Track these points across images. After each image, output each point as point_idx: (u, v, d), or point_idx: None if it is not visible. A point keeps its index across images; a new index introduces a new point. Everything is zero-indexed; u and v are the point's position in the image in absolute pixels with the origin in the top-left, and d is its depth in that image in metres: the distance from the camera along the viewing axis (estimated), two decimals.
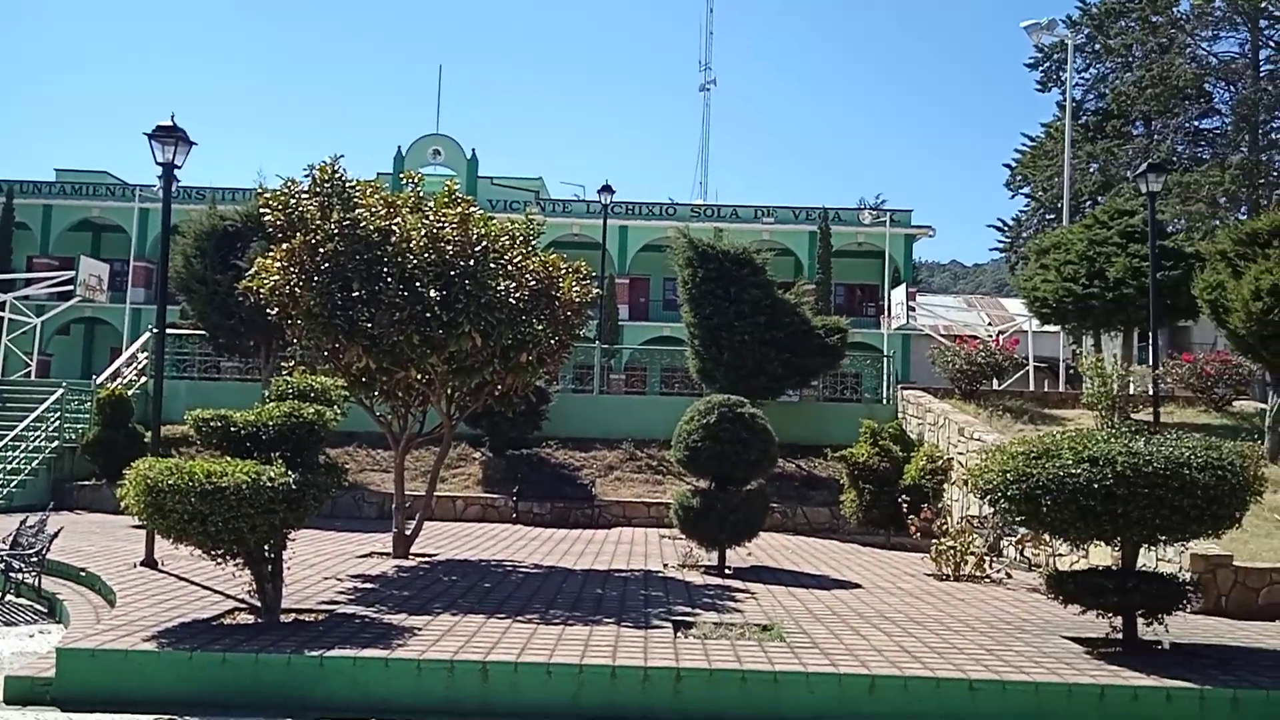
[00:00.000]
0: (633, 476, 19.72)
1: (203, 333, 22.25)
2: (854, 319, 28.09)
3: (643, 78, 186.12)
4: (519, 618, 8.62)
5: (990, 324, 42.91)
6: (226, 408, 8.91)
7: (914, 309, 40.15)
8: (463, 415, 13.54)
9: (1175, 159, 43.95)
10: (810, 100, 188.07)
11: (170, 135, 11.92)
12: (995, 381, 21.91)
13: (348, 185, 11.68)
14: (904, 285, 39.19)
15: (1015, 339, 28.78)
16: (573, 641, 7.64)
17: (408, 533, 12.77)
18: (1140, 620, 8.06)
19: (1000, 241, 55.36)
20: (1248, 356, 16.79)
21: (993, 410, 18.84)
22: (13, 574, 10.67)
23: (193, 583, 10.05)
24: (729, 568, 12.21)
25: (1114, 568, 8.23)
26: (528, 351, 11.83)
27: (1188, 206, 41.75)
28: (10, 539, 11.09)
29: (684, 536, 12.57)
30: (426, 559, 12.60)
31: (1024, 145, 51.90)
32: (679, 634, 8.15)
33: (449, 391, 12.66)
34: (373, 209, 11.46)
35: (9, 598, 10.70)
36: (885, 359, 24.47)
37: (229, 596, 9.19)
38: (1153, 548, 8.88)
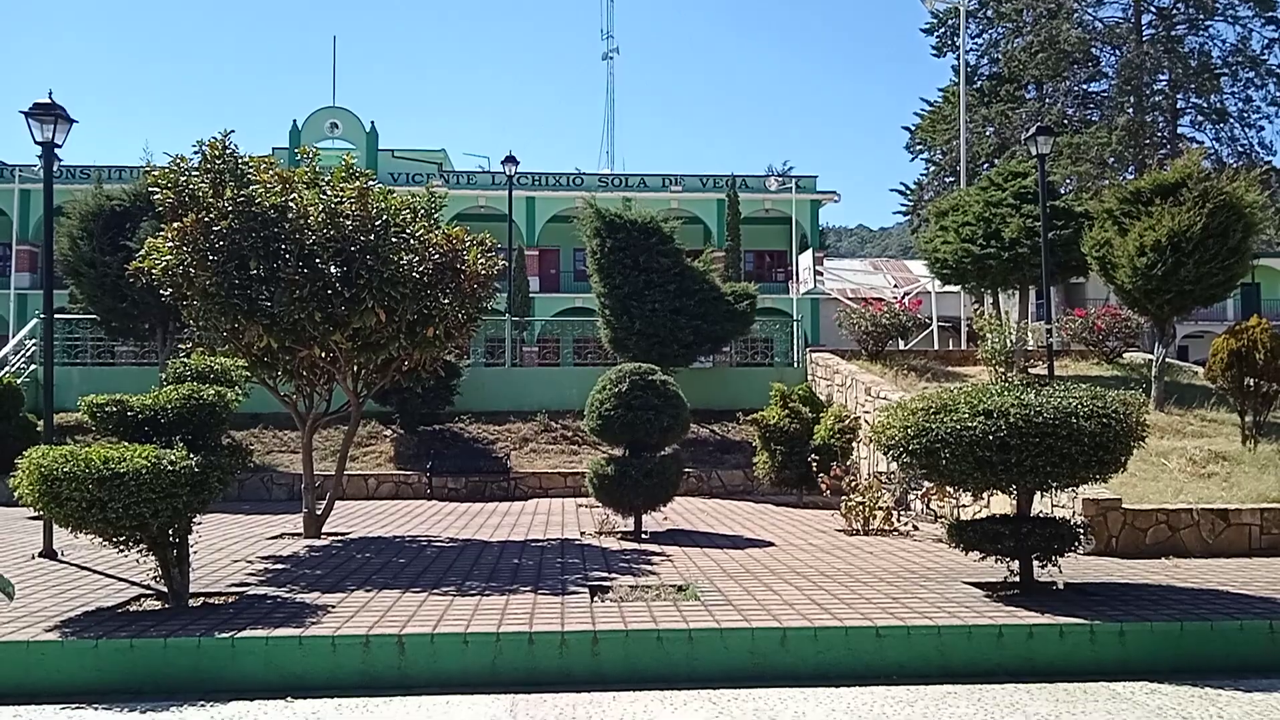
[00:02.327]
0: (548, 448, 19.74)
1: (94, 317, 21.45)
2: (763, 285, 28.50)
3: (545, 47, 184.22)
4: (435, 591, 8.61)
5: (896, 286, 43.89)
6: (122, 392, 8.63)
7: (822, 273, 40.81)
8: (370, 392, 13.35)
9: (1065, 121, 45.42)
10: (714, 68, 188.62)
11: (49, 113, 11.41)
12: (900, 342, 22.51)
13: (240, 161, 11.35)
14: (811, 250, 39.81)
15: (919, 300, 29.46)
16: (490, 611, 7.68)
17: (318, 512, 12.60)
18: (1036, 563, 8.42)
19: (903, 205, 56.70)
20: (1134, 310, 17.54)
21: (898, 370, 19.36)
22: None
23: (95, 571, 9.77)
24: (645, 533, 12.35)
25: (1011, 515, 8.58)
26: (434, 326, 11.72)
27: (1077, 167, 43.23)
28: None
29: (600, 504, 12.67)
30: (339, 538, 12.45)
31: (923, 109, 53.05)
32: (595, 598, 8.25)
33: (355, 369, 12.48)
34: (267, 185, 11.17)
35: None
36: (794, 323, 24.90)
37: (134, 584, 8.97)
38: (1046, 494, 9.30)
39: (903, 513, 13.33)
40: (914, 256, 51.09)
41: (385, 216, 11.42)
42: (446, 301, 11.76)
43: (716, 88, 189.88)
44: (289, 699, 6.50)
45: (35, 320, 21.38)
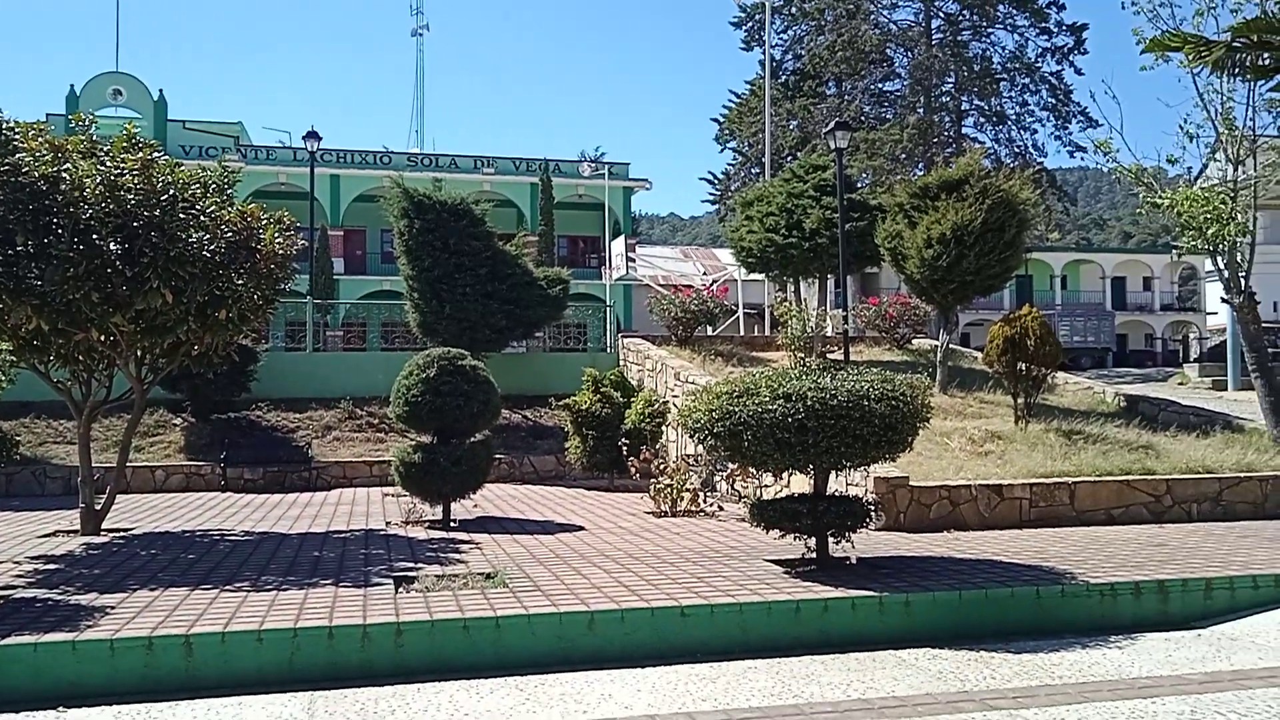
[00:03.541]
0: (353, 435, 19.13)
1: None
2: (577, 270, 28.63)
3: (353, 21, 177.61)
4: (227, 587, 8.17)
5: (705, 273, 44.99)
6: None
7: (634, 260, 41.39)
8: (157, 379, 12.52)
9: (862, 118, 47.75)
10: (527, 51, 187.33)
11: None
12: (709, 328, 23.07)
13: (5, 126, 10.36)
14: (624, 237, 40.29)
15: (726, 287, 30.42)
16: (287, 606, 7.35)
17: (97, 507, 11.71)
18: (831, 539, 8.81)
19: (711, 194, 58.13)
20: (923, 299, 18.62)
21: (706, 355, 19.86)
22: None
23: None
24: (454, 521, 12.16)
25: (809, 494, 8.94)
26: (227, 308, 11.08)
27: (873, 162, 45.55)
28: None
29: (407, 493, 12.38)
30: (121, 534, 11.64)
31: (731, 101, 54.50)
32: (400, 589, 8.04)
33: (138, 353, 11.66)
34: (36, 154, 10.23)
35: None
36: (607, 309, 25.13)
37: None
38: (841, 473, 9.74)
39: (709, 494, 13.69)
40: (722, 245, 52.59)
41: (172, 191, 10.69)
42: (240, 282, 11.14)
43: (530, 71, 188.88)
44: (61, 709, 6.01)
45: None
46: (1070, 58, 49.60)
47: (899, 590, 7.75)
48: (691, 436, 8.99)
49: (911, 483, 11.37)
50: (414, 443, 12.36)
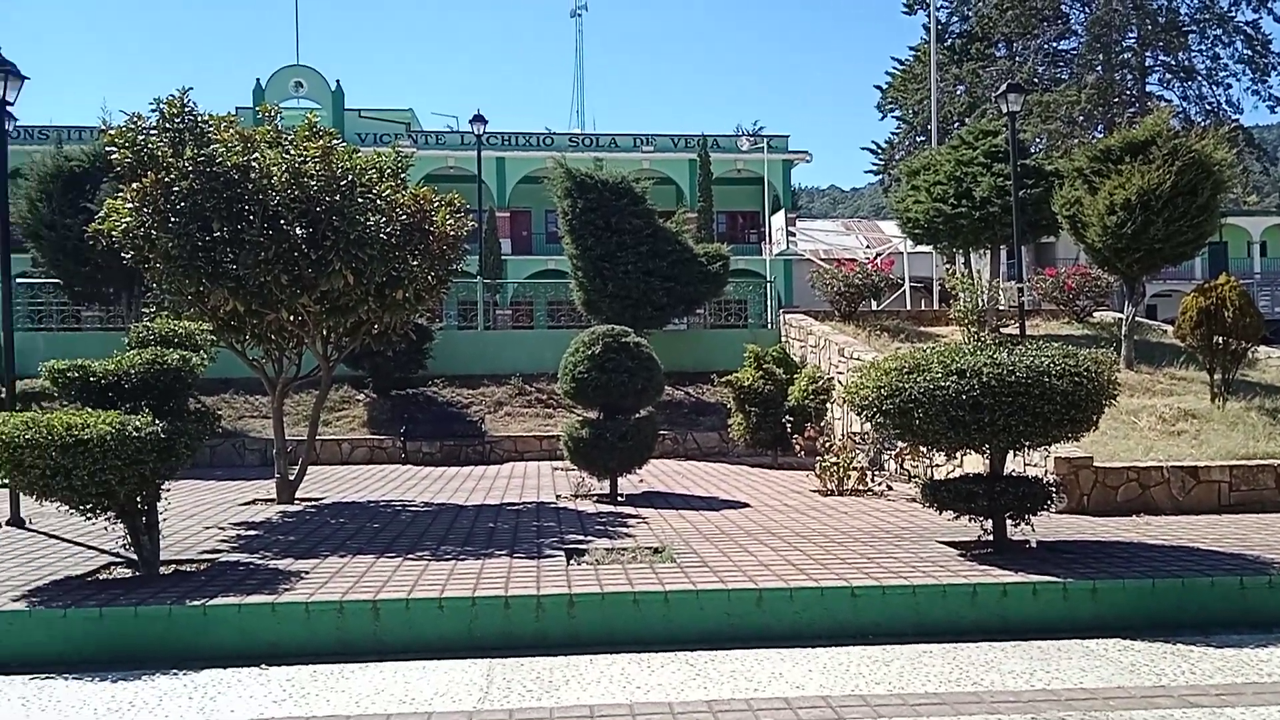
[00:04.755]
0: (523, 411, 19.67)
1: (58, 281, 21.03)
2: (736, 246, 28.39)
3: (514, 4, 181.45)
4: (410, 556, 8.55)
5: (868, 246, 43.90)
6: (88, 358, 8.43)
7: (794, 234, 40.77)
8: (341, 356, 13.19)
9: (1035, 80, 45.42)
10: (684, 26, 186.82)
11: None
12: (873, 302, 22.55)
13: (200, 120, 11.07)
14: (784, 211, 39.72)
15: (891, 260, 29.49)
16: (465, 575, 7.63)
17: (291, 478, 12.47)
18: (1009, 522, 8.47)
19: (874, 164, 56.59)
20: (1104, 269, 17.63)
21: (871, 330, 19.40)
22: None
23: (64, 539, 9.63)
24: (621, 495, 12.34)
25: (984, 474, 8.61)
26: (404, 288, 11.55)
27: (1047, 126, 43.29)
28: None
29: (575, 468, 12.63)
30: (312, 503, 12.35)
31: (894, 69, 52.83)
32: (572, 561, 8.22)
33: (324, 332, 12.30)
34: (228, 144, 10.90)
35: None
36: (767, 284, 24.87)
37: (104, 551, 8.84)
38: (1019, 453, 9.34)
39: (876, 473, 13.38)
40: (886, 217, 51.15)
41: (350, 176, 11.20)
42: (415, 263, 11.58)
43: (687, 47, 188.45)
44: (263, 666, 6.44)
45: None
46: (1268, 4, 45.60)
47: (1084, 576, 7.37)
48: (858, 414, 8.79)
49: (1096, 463, 10.80)
50: (581, 418, 12.60)
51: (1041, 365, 7.81)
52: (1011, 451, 8.56)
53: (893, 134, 53.94)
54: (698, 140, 40.93)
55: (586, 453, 12.08)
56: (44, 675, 6.33)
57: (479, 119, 25.79)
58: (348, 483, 14.73)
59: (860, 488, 12.65)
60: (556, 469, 15.88)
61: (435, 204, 11.90)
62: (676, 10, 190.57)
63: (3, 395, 11.78)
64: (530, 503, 12.20)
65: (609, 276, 19.70)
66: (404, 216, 11.49)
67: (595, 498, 12.33)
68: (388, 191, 11.57)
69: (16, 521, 10.68)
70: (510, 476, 15.35)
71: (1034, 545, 8.65)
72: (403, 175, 12.19)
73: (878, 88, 53.44)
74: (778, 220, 38.36)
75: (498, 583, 7.34)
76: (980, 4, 48.35)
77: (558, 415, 18.77)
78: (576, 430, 12.15)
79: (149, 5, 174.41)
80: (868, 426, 11.62)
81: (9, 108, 11.33)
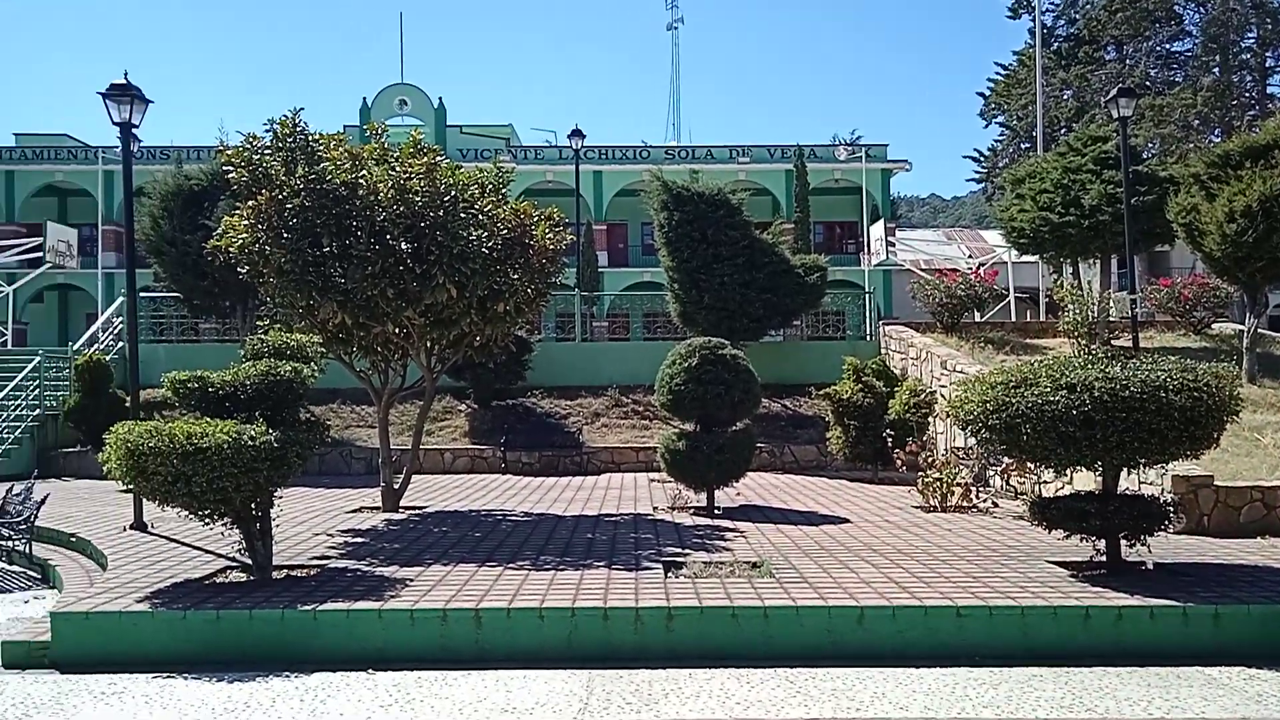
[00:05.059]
0: (619, 422, 19.77)
1: (178, 295, 22.00)
2: (833, 257, 28.06)
3: (610, 18, 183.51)
4: (510, 565, 8.67)
5: (970, 256, 42.90)
6: (206, 369, 8.81)
7: (893, 244, 40.09)
8: (444, 368, 13.48)
9: (1147, 83, 43.83)
10: (779, 36, 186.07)
11: (125, 93, 11.65)
12: (976, 313, 22.01)
13: (310, 139, 11.47)
14: (883, 220, 39.09)
15: (995, 270, 28.81)
16: (565, 586, 7.70)
17: (396, 486, 12.78)
18: (1123, 542, 8.16)
19: (977, 172, 55.36)
20: (1223, 278, 16.92)
21: (974, 342, 18.95)
22: (2, 541, 10.66)
23: (182, 543, 10.05)
24: (718, 508, 12.29)
25: (1096, 492, 8.32)
26: (504, 301, 11.76)
27: (1160, 130, 41.74)
28: None
29: (672, 479, 12.64)
30: (416, 511, 12.63)
31: (997, 74, 51.63)
32: (670, 574, 8.22)
33: (428, 344, 12.59)
34: (337, 162, 11.27)
35: (1, 565, 10.70)
36: (866, 295, 24.50)
37: (220, 556, 9.19)
38: (1133, 471, 8.99)
39: (981, 489, 13.05)
40: (989, 226, 49.92)
41: (453, 192, 11.46)
42: (516, 277, 11.78)
43: (782, 56, 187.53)
44: (370, 671, 6.61)
45: (121, 299, 22.00)
46: None
47: (1205, 601, 7.05)
48: (963, 428, 8.59)
49: (1217, 482, 10.33)
50: (678, 430, 12.60)
51: (1158, 379, 7.52)
52: (1125, 469, 8.26)
53: (996, 141, 52.67)
54: (794, 150, 40.60)
55: (683, 465, 12.07)
56: (165, 674, 6.61)
57: (577, 133, 26.09)
58: (449, 492, 15.02)
59: (964, 504, 12.35)
60: (653, 480, 15.91)
61: (535, 219, 12.08)
62: (772, 21, 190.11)
63: (129, 404, 12.36)
64: (627, 514, 12.25)
65: (705, 288, 19.68)
66: (505, 231, 11.69)
67: (692, 510, 12.32)
68: (489, 206, 11.80)
69: (140, 526, 11.19)
70: (607, 487, 15.44)
71: (1150, 567, 8.32)
72: (503, 190, 12.43)
73: (980, 94, 52.23)
74: (876, 230, 37.78)
75: (596, 594, 7.39)
76: (1088, 6, 46.92)
77: (654, 426, 18.82)
78: (673, 442, 12.16)
79: (263, 29, 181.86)
80: (972, 441, 11.35)
81: (134, 129, 11.89)
